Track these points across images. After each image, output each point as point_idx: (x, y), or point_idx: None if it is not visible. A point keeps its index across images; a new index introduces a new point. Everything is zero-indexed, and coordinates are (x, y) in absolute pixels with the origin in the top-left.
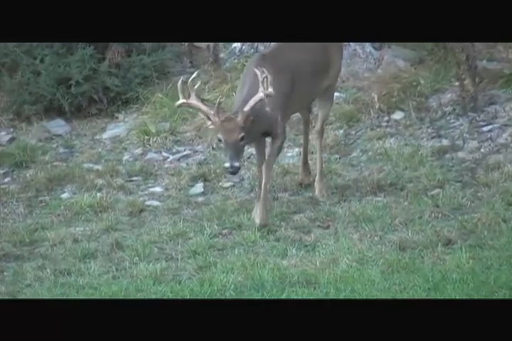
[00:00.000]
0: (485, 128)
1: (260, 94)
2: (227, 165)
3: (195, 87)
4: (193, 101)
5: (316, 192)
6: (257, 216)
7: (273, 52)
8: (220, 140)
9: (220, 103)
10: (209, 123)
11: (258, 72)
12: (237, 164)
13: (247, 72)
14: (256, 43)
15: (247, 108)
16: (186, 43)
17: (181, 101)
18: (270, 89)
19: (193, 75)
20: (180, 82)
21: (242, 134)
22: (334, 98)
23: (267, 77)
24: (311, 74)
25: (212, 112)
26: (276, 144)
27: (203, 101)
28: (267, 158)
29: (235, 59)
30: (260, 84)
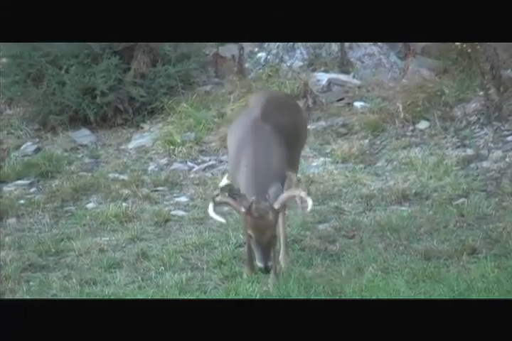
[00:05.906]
0: (510, 138)
1: (296, 193)
2: (260, 265)
3: (221, 184)
4: (223, 198)
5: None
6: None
7: (263, 114)
8: (250, 236)
9: (252, 202)
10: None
11: (291, 176)
12: (270, 263)
13: (250, 138)
14: (280, 53)
15: (277, 206)
16: (211, 53)
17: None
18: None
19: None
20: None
21: (275, 233)
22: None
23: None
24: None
25: (243, 210)
26: None
27: (231, 196)
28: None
29: (259, 69)
30: (294, 185)
